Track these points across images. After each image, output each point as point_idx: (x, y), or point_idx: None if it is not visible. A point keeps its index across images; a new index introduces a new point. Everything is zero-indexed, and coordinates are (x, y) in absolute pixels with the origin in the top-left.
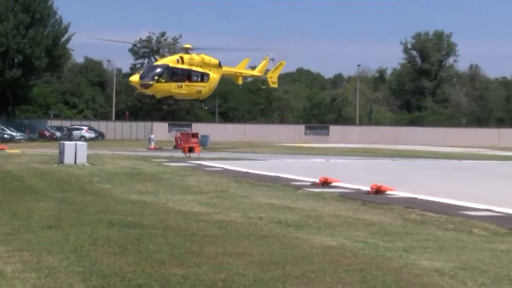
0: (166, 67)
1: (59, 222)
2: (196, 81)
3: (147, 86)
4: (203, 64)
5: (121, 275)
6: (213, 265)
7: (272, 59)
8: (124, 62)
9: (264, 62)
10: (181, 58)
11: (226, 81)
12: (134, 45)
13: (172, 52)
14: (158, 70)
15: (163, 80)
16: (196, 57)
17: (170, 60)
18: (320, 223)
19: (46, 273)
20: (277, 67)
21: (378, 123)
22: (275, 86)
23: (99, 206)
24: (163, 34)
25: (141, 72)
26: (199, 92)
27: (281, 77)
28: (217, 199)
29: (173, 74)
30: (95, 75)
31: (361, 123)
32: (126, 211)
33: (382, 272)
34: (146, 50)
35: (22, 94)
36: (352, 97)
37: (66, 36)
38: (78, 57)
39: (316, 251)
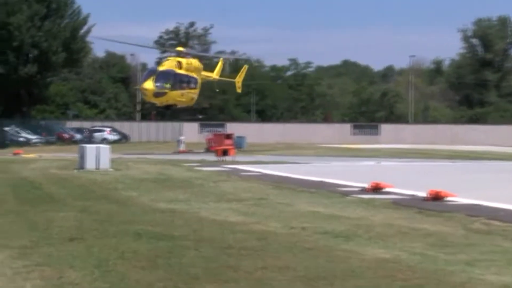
0: (174, 74)
1: (81, 233)
2: (193, 88)
3: (161, 95)
4: (195, 69)
5: None
6: (252, 281)
7: (229, 61)
8: (150, 56)
9: (220, 64)
10: (179, 63)
11: (264, 77)
12: (160, 37)
13: (203, 44)
14: (169, 76)
15: (172, 88)
16: (193, 61)
17: (170, 66)
18: (371, 234)
19: None
20: (242, 72)
21: (434, 121)
22: (239, 91)
23: (124, 216)
24: (192, 24)
25: (152, 78)
26: (193, 99)
27: (325, 71)
28: (255, 207)
29: (179, 81)
30: (117, 71)
31: (415, 121)
32: (155, 221)
33: None
34: (174, 42)
35: (38, 92)
36: (404, 92)
37: (85, 28)
38: (98, 51)
39: (367, 264)
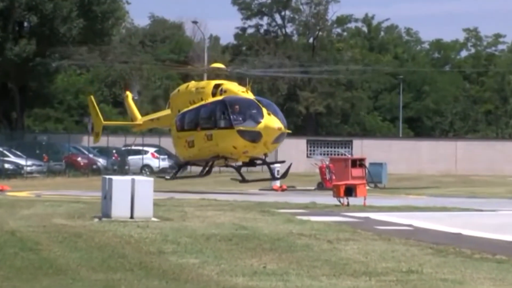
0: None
1: None
2: None
3: (283, 138)
4: None
5: None
6: None
7: None
8: (222, 25)
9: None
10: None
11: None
12: None
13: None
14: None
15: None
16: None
17: (243, 92)
18: None
19: None
20: None
21: None
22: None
23: None
24: None
25: (267, 111)
26: None
27: None
28: (401, 287)
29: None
30: (169, 49)
31: None
32: None
33: None
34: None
35: (37, 87)
36: None
37: None
38: (139, 17)
39: None
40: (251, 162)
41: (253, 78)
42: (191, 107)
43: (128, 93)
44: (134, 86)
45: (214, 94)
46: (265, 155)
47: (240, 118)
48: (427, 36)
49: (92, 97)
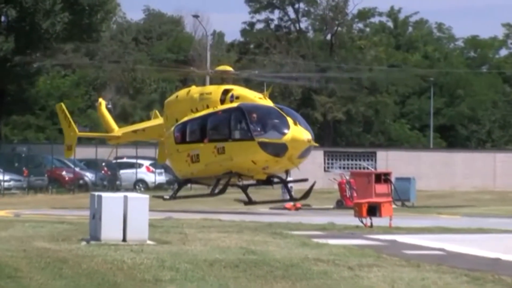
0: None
1: None
2: None
3: (309, 152)
4: None
5: None
6: None
7: None
8: (227, 19)
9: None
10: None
11: (453, 61)
12: None
13: None
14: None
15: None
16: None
17: (263, 99)
18: None
19: None
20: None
21: None
22: None
23: None
24: None
25: (293, 121)
26: None
27: None
28: None
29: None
30: (166, 47)
31: None
32: None
33: None
34: None
35: (16, 91)
36: None
37: None
38: (132, 10)
39: None
40: (268, 181)
41: (266, 82)
42: (194, 116)
43: (101, 100)
44: (109, 91)
45: (222, 101)
46: (287, 172)
47: (262, 128)
48: (462, 32)
49: (62, 104)
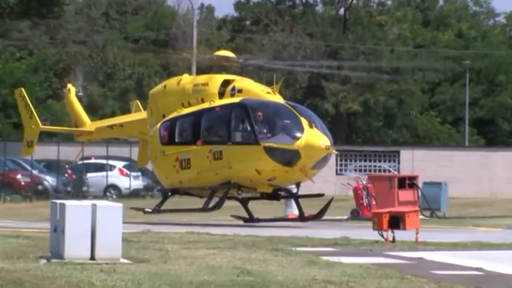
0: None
1: None
2: None
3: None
4: None
5: None
6: None
7: None
8: None
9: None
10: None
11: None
12: None
13: None
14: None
15: None
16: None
17: (274, 95)
18: None
19: None
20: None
21: None
22: None
23: None
24: None
25: (308, 123)
26: None
27: None
28: None
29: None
30: (144, 23)
31: None
32: None
33: None
34: None
35: None
36: None
37: None
38: None
39: None
40: (274, 194)
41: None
42: (185, 111)
43: (70, 87)
44: (78, 76)
45: (221, 95)
46: (298, 184)
47: (269, 130)
48: (503, 6)
49: (22, 90)
